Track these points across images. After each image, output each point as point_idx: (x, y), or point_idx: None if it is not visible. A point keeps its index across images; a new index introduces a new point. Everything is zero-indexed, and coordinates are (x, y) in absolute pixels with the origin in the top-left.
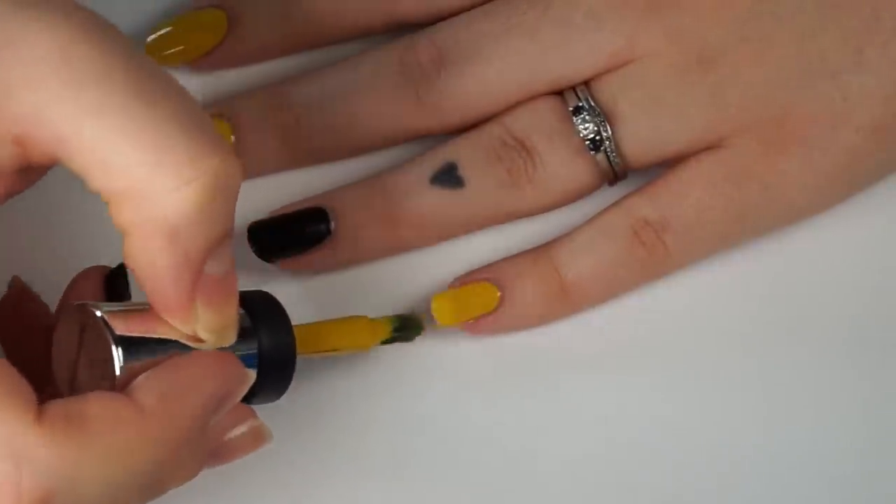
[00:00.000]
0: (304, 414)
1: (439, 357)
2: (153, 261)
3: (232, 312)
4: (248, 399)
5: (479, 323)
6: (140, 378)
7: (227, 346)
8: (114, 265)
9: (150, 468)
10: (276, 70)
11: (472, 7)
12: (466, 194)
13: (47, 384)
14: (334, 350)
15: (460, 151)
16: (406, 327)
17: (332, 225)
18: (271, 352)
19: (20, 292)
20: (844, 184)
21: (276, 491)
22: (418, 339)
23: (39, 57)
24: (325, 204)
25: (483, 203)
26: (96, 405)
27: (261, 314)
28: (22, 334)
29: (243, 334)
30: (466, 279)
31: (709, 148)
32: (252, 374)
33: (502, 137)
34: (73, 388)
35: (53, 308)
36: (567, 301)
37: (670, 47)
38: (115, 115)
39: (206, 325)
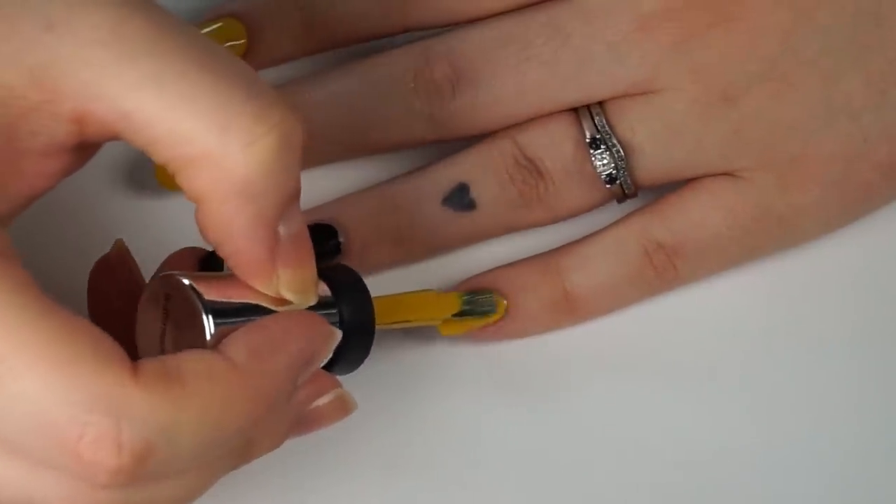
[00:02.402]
0: None
1: (440, 357)
2: (230, 222)
3: (311, 271)
4: (327, 369)
5: (483, 332)
6: (230, 336)
7: (309, 307)
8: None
9: (243, 424)
10: (283, 70)
11: (488, 16)
12: (478, 217)
13: (133, 353)
14: (407, 321)
15: (472, 171)
16: (477, 303)
17: (343, 241)
18: (352, 320)
19: (121, 255)
20: (856, 216)
21: (276, 491)
22: (418, 336)
23: (92, 34)
24: (334, 219)
25: (493, 222)
26: (191, 361)
27: (341, 285)
28: (113, 298)
29: (325, 305)
30: (471, 284)
31: (726, 175)
32: (338, 333)
33: (515, 157)
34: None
35: None
36: (572, 314)
37: (694, 84)
38: (175, 83)
39: (288, 284)
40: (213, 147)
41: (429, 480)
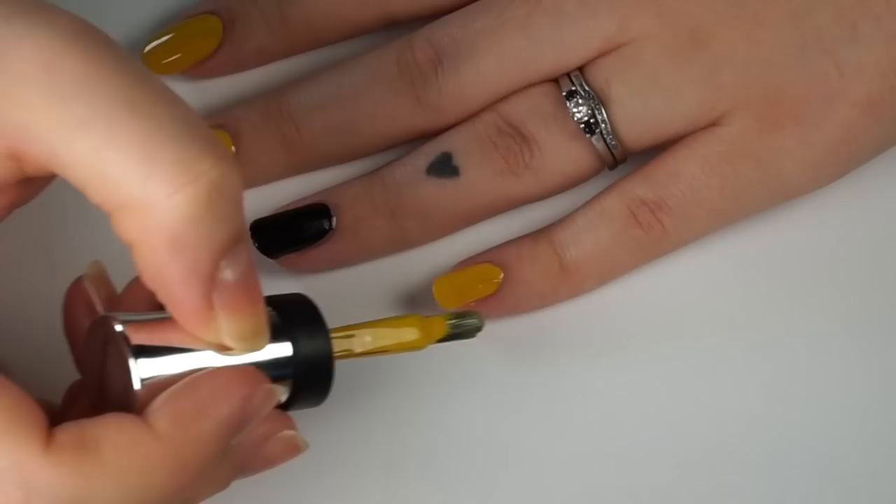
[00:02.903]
0: (304, 412)
1: (441, 357)
2: (161, 271)
3: (257, 318)
4: (286, 406)
5: (481, 306)
6: (157, 400)
7: (258, 352)
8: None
9: (169, 492)
10: (274, 75)
11: (467, 3)
12: (463, 182)
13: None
14: (384, 351)
15: (455, 141)
16: (464, 325)
17: (334, 220)
18: (306, 357)
19: (96, 278)
20: (841, 159)
21: (277, 491)
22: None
23: (24, 72)
24: (326, 199)
25: (481, 190)
26: (111, 430)
27: (293, 318)
28: (87, 321)
29: (276, 339)
30: (468, 263)
31: (705, 128)
32: (278, 390)
33: (497, 124)
34: (102, 398)
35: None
36: (567, 281)
37: (663, 29)
38: (103, 127)
39: (230, 332)
40: (137, 195)
41: (429, 480)
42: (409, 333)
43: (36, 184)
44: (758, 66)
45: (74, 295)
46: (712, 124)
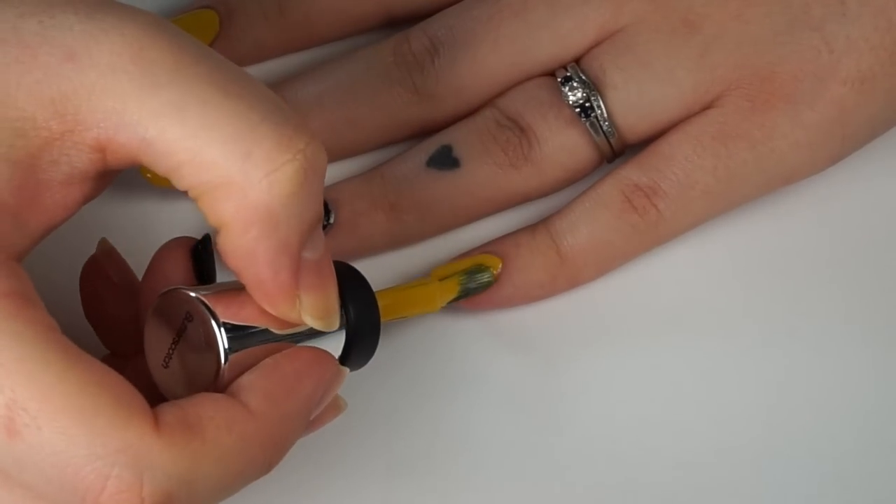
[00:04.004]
0: None
1: (442, 356)
2: (253, 251)
3: (333, 296)
4: None
5: (481, 296)
6: (243, 379)
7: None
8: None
9: (259, 465)
10: (271, 73)
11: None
12: (463, 175)
13: (133, 351)
14: (406, 315)
15: (455, 134)
16: (474, 281)
17: (332, 215)
18: (359, 321)
19: (107, 255)
20: (835, 138)
21: (277, 490)
22: (419, 336)
23: (114, 61)
24: (325, 195)
25: (481, 183)
26: (209, 409)
27: (346, 284)
28: (106, 299)
29: None
30: (464, 256)
31: (699, 112)
32: (345, 371)
33: (496, 118)
34: (167, 370)
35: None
36: (566, 270)
37: (655, 13)
38: (197, 110)
39: (311, 310)
40: (236, 175)
41: (429, 480)
42: (425, 296)
43: (109, 177)
44: (748, 46)
45: (90, 273)
46: (706, 107)
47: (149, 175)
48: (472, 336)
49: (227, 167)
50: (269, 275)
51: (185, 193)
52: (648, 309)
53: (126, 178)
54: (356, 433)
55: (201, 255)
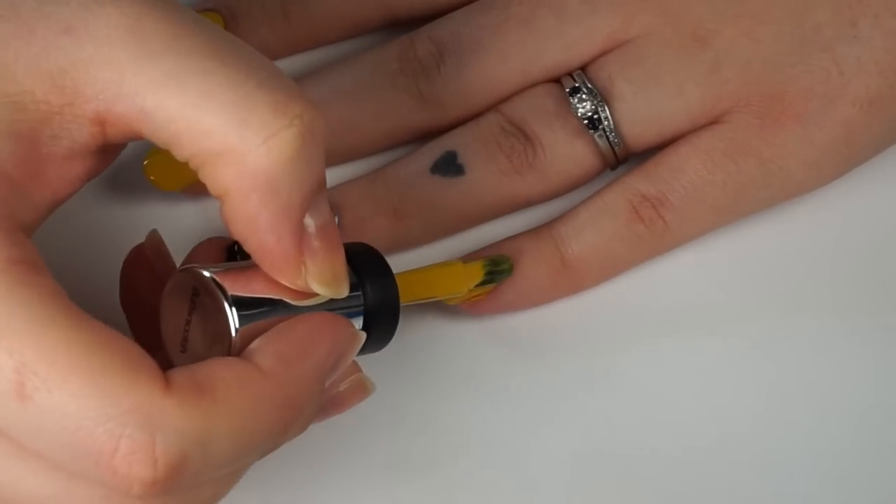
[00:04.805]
0: None
1: (442, 356)
2: (255, 217)
3: (340, 262)
4: None
5: (483, 301)
6: (255, 342)
7: (337, 299)
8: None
9: (274, 428)
10: None
11: (470, 1)
12: (467, 181)
13: (160, 344)
14: (431, 297)
15: (459, 140)
16: (496, 269)
17: (337, 220)
18: (377, 304)
19: (155, 245)
20: (842, 157)
21: (277, 491)
22: (419, 336)
23: (111, 33)
24: (329, 199)
25: (485, 190)
26: (220, 370)
27: (364, 265)
28: (145, 289)
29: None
30: (470, 258)
31: (707, 125)
32: (363, 335)
33: (501, 124)
34: (185, 354)
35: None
36: (568, 276)
37: (665, 26)
38: (195, 79)
39: (316, 276)
40: (234, 142)
41: (430, 480)
42: (450, 275)
43: (110, 153)
44: (758, 64)
45: (134, 261)
46: (714, 122)
47: (153, 178)
48: (472, 336)
49: (225, 135)
50: (272, 241)
51: (185, 191)
52: (649, 310)
53: (130, 180)
54: (356, 433)
55: (236, 255)
